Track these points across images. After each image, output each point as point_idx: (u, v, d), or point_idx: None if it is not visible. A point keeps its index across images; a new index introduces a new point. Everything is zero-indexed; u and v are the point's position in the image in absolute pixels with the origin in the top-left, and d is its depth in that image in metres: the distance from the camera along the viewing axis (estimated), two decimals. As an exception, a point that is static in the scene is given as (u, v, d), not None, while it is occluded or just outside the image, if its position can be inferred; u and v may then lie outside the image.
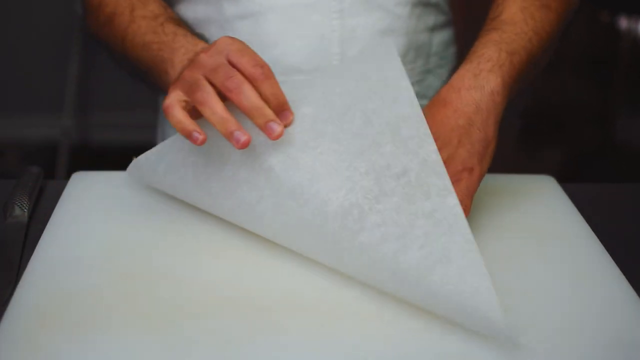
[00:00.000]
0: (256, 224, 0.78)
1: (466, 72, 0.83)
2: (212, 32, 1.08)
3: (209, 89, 0.76)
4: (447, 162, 0.78)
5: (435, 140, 0.77)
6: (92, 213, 0.87)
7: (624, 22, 2.85)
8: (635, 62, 2.84)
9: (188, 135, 0.76)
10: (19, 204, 0.88)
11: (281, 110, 0.78)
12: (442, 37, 1.16)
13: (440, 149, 0.77)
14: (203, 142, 0.76)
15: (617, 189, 1.04)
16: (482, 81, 0.82)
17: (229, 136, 0.75)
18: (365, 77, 0.82)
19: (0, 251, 0.81)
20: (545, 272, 0.77)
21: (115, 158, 1.00)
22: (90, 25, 1.05)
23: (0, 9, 2.75)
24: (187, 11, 1.10)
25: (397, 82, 0.80)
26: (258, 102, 0.75)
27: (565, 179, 0.99)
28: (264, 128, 0.75)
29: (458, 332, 0.68)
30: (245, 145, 0.74)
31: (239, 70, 0.77)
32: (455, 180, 0.78)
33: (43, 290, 0.72)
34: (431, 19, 1.12)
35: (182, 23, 0.98)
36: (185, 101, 0.78)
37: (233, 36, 1.04)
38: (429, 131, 0.75)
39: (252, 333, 0.67)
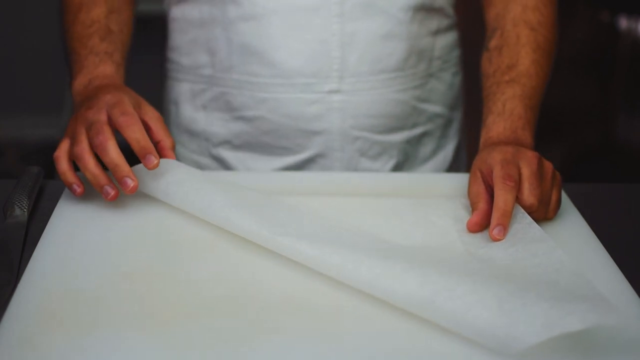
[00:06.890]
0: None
1: (504, 129, 0.95)
2: (217, 33, 1.08)
3: (85, 145, 0.85)
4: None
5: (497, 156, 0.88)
6: (92, 213, 0.87)
7: (624, 22, 2.85)
8: (635, 62, 2.84)
9: (68, 186, 0.87)
10: (19, 204, 0.88)
11: (144, 154, 0.85)
12: (446, 40, 1.14)
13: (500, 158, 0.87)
14: (113, 198, 0.86)
15: (617, 189, 1.04)
16: (520, 137, 0.95)
17: (99, 189, 0.86)
18: None
19: (0, 251, 0.81)
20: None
21: (115, 158, 1.00)
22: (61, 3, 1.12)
23: (0, 9, 2.75)
24: (193, 11, 1.10)
25: None
26: (117, 159, 0.84)
27: (565, 179, 0.98)
28: (120, 182, 0.85)
29: (458, 333, 0.68)
30: (114, 198, 0.85)
31: (112, 120, 0.86)
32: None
33: (43, 290, 0.72)
34: (434, 23, 1.11)
35: (109, 36, 1.03)
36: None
37: (236, 38, 1.06)
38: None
39: (252, 333, 0.67)
